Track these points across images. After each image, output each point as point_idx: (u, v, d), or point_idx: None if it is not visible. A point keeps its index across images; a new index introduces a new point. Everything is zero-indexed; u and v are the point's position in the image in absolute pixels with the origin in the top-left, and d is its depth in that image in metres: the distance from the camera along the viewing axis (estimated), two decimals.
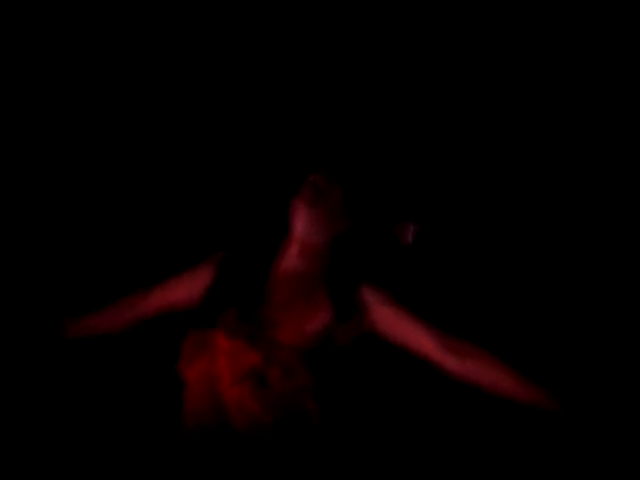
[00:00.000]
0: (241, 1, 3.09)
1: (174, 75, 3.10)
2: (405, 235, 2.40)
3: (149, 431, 2.93)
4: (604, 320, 2.93)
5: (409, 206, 2.44)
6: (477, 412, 2.95)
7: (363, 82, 3.09)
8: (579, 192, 2.99)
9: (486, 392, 2.28)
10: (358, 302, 2.31)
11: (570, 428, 2.28)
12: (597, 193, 2.98)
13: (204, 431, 2.22)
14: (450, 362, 2.27)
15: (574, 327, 2.95)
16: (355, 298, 2.31)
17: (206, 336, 2.27)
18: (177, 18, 3.08)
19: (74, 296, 2.62)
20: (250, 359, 2.21)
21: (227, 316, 2.29)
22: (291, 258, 2.35)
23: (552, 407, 2.25)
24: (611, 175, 2.99)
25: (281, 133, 3.09)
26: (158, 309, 2.44)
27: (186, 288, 2.41)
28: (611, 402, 2.27)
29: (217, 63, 3.10)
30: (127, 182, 3.09)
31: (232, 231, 3.02)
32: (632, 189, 2.97)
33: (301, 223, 2.33)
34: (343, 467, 2.34)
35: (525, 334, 2.95)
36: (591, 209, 2.98)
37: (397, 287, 2.38)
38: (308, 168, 2.40)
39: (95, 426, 3.01)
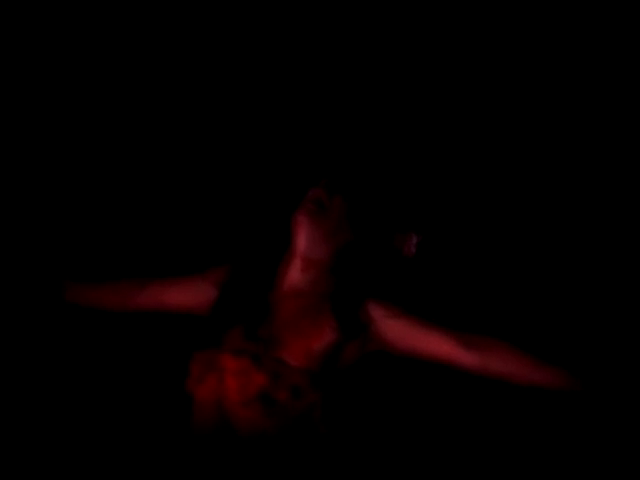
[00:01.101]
0: (242, 7, 3.08)
1: (171, 95, 3.10)
2: (408, 246, 2.39)
3: (157, 442, 2.93)
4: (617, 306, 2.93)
5: (411, 216, 2.43)
6: (486, 432, 2.95)
7: (362, 92, 3.08)
8: (591, 210, 2.98)
9: (510, 382, 2.26)
10: (364, 319, 2.29)
11: (593, 407, 2.28)
12: (601, 194, 2.97)
13: (212, 445, 2.21)
14: (472, 358, 2.26)
15: (584, 317, 2.94)
16: (360, 315, 2.29)
17: (213, 357, 2.26)
18: (179, 23, 3.08)
19: (78, 266, 2.65)
20: (257, 381, 2.20)
21: (233, 334, 2.28)
22: (295, 274, 2.34)
23: (576, 387, 2.23)
24: (610, 174, 2.98)
25: (281, 146, 3.08)
26: (151, 304, 2.46)
27: (182, 293, 2.43)
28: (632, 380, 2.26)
29: (214, 78, 3.10)
30: (129, 191, 3.09)
31: (234, 247, 3.02)
32: (631, 187, 2.96)
33: (303, 238, 2.31)
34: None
35: (533, 329, 2.94)
36: (599, 216, 2.97)
37: (402, 298, 2.37)
38: (308, 181, 2.39)
39: (103, 436, 3.02)
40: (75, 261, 2.96)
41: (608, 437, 2.84)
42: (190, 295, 2.42)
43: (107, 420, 3.03)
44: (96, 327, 3.02)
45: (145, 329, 3.00)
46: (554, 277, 2.99)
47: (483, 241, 3.02)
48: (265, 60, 3.09)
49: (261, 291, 2.35)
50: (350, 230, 2.35)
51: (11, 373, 3.00)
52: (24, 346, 3.02)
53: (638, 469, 2.78)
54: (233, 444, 2.20)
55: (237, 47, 3.10)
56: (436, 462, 2.97)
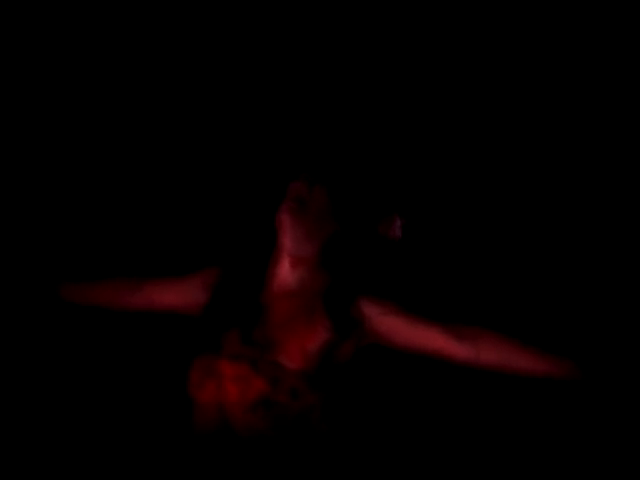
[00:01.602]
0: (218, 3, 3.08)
1: (150, 97, 3.10)
2: (393, 229, 2.39)
3: (159, 443, 2.95)
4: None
5: (393, 200, 2.43)
6: (486, 431, 2.95)
7: (333, 77, 3.07)
8: (559, 174, 2.97)
9: (505, 372, 2.27)
10: (356, 317, 2.30)
11: (591, 394, 2.28)
12: (589, 178, 2.97)
13: (214, 447, 2.24)
14: (464, 350, 2.27)
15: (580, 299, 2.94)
16: (352, 313, 2.30)
17: (211, 362, 2.28)
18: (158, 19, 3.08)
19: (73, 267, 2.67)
20: (257, 386, 2.21)
21: (230, 339, 2.29)
22: (284, 273, 2.34)
23: (573, 374, 2.24)
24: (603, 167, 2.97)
25: (259, 143, 3.08)
26: (142, 304, 2.47)
27: (172, 294, 2.44)
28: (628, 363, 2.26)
29: (191, 79, 3.10)
30: (115, 197, 3.10)
31: (223, 249, 3.02)
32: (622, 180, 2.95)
33: (288, 237, 2.31)
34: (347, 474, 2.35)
35: (526, 317, 2.94)
36: (591, 201, 2.96)
37: (393, 286, 2.38)
38: (288, 176, 2.39)
39: (104, 438, 3.04)
40: (68, 261, 2.97)
41: (607, 424, 2.84)
42: (180, 296, 2.43)
43: (108, 422, 3.05)
44: (94, 332, 3.04)
45: (143, 333, 3.02)
46: (548, 263, 2.99)
47: (470, 223, 3.01)
48: (239, 57, 3.09)
49: (253, 293, 2.35)
50: (334, 221, 2.35)
51: (9, 373, 3.03)
52: (21, 348, 3.04)
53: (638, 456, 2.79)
54: (234, 445, 2.22)
55: (214, 42, 3.09)
56: (436, 461, 2.97)
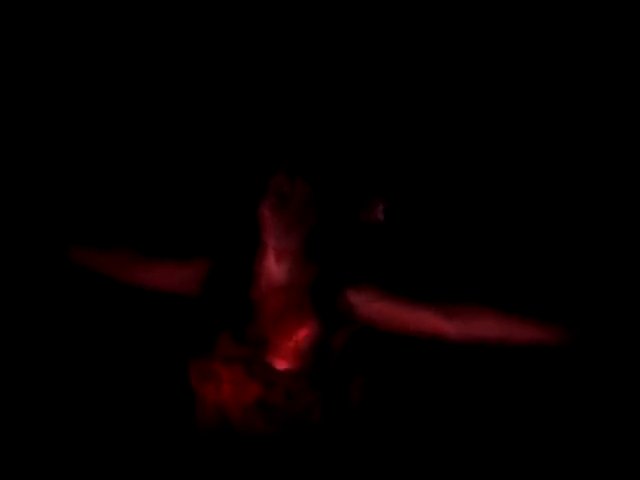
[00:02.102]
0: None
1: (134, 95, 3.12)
2: (376, 214, 2.39)
3: (160, 441, 2.97)
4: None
5: (373, 185, 2.43)
6: (485, 427, 2.95)
7: (306, 69, 3.08)
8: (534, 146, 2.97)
9: (498, 345, 2.28)
10: (344, 307, 2.31)
11: (587, 356, 2.28)
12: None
13: (215, 444, 2.28)
14: (456, 327, 2.28)
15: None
16: (339, 305, 2.31)
17: (207, 365, 2.30)
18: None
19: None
20: (252, 389, 2.24)
21: (223, 339, 2.31)
22: (271, 267, 2.35)
23: (567, 339, 2.24)
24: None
25: (238, 138, 3.08)
26: (138, 279, 2.52)
27: (165, 276, 2.49)
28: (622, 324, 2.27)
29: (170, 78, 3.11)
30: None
31: (208, 249, 3.04)
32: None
33: (271, 231, 2.33)
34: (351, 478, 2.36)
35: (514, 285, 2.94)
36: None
37: (378, 268, 2.38)
38: (268, 170, 2.40)
39: (104, 436, 3.06)
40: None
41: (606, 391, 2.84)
42: (172, 278, 2.47)
43: (106, 422, 3.07)
44: (92, 332, 3.07)
45: (139, 330, 3.04)
46: (531, 232, 2.98)
47: (453, 202, 3.01)
48: (217, 55, 3.09)
49: (243, 291, 2.36)
50: (316, 211, 2.35)
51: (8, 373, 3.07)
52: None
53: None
54: (235, 443, 2.25)
55: (193, 39, 3.10)
56: (435, 457, 2.97)
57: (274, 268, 2.35)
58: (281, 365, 2.26)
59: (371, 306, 2.31)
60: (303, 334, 2.27)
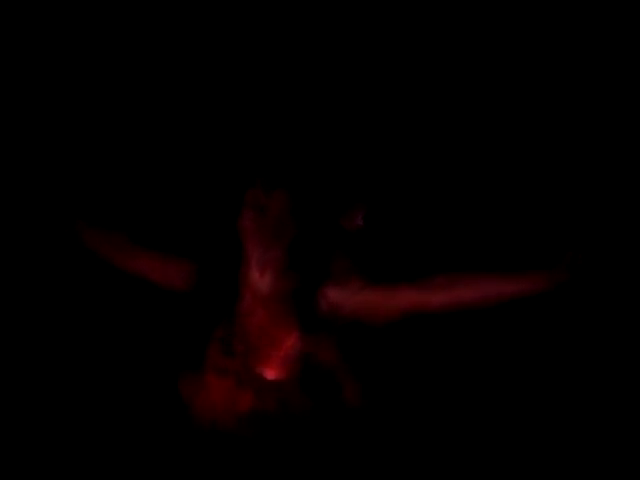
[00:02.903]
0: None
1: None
2: (355, 219, 2.39)
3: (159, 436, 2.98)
4: None
5: (351, 191, 2.44)
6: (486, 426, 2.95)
7: (280, 78, 3.07)
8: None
9: (488, 305, 2.29)
10: (328, 308, 2.33)
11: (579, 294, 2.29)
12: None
13: (212, 446, 2.31)
14: (441, 297, 2.30)
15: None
16: (322, 308, 2.33)
17: (198, 378, 2.32)
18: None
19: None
20: (245, 400, 2.26)
21: (212, 351, 2.34)
22: (255, 279, 2.37)
23: (551, 283, 2.25)
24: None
25: (214, 150, 3.08)
26: (133, 267, 2.58)
27: (149, 265, 2.55)
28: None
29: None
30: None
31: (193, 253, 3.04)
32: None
33: (252, 245, 2.35)
34: (348, 474, 2.37)
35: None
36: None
37: (362, 269, 2.39)
38: (245, 183, 2.41)
39: (101, 436, 3.07)
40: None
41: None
42: (156, 271, 2.53)
43: (103, 423, 3.08)
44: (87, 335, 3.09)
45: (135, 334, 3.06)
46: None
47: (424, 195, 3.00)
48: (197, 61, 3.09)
49: (229, 303, 2.38)
50: (295, 222, 2.36)
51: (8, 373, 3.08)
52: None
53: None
54: (229, 450, 2.29)
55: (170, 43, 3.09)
56: (434, 457, 2.96)
57: (258, 279, 2.36)
58: (271, 375, 2.29)
59: (354, 299, 2.33)
60: (290, 343, 2.29)
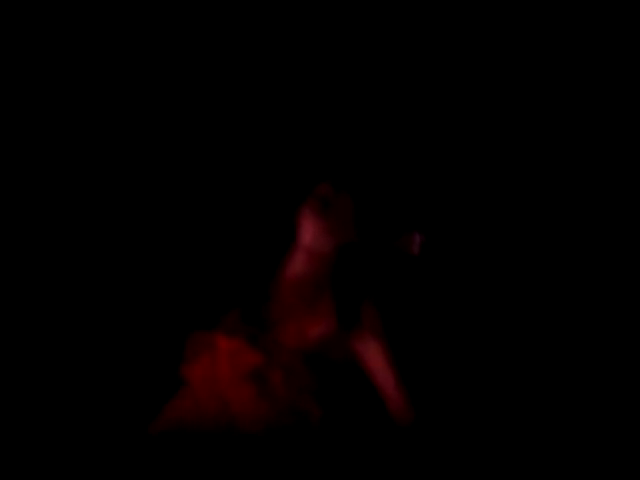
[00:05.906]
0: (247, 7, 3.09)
1: (173, 80, 3.10)
2: (412, 245, 2.40)
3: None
4: None
5: (415, 216, 2.45)
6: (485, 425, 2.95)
7: (370, 92, 3.09)
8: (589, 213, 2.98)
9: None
10: (361, 317, 2.33)
11: None
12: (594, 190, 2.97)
13: (207, 429, 2.26)
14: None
15: None
16: (361, 312, 2.32)
17: (206, 337, 2.32)
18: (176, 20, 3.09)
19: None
20: (251, 359, 2.25)
21: (230, 317, 2.34)
22: (298, 265, 2.38)
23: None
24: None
25: (289, 141, 3.09)
26: None
27: None
28: None
29: (218, 69, 3.10)
30: (130, 186, 3.10)
31: (240, 236, 3.03)
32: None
33: (308, 233, 2.37)
34: (343, 468, 2.35)
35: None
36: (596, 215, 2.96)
37: (401, 297, 2.39)
38: (315, 177, 2.42)
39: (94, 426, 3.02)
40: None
41: None
42: None
43: (102, 409, 3.04)
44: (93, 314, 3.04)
45: (143, 311, 3.03)
46: (555, 281, 2.99)
47: (486, 243, 3.02)
48: (268, 58, 3.10)
49: (262, 277, 2.40)
50: (353, 228, 2.38)
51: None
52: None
53: None
54: (228, 429, 2.24)
55: (239, 45, 3.10)
56: (430, 450, 2.96)
57: (301, 267, 2.38)
58: (285, 344, 2.28)
59: (364, 335, 2.31)
60: (312, 324, 2.29)
